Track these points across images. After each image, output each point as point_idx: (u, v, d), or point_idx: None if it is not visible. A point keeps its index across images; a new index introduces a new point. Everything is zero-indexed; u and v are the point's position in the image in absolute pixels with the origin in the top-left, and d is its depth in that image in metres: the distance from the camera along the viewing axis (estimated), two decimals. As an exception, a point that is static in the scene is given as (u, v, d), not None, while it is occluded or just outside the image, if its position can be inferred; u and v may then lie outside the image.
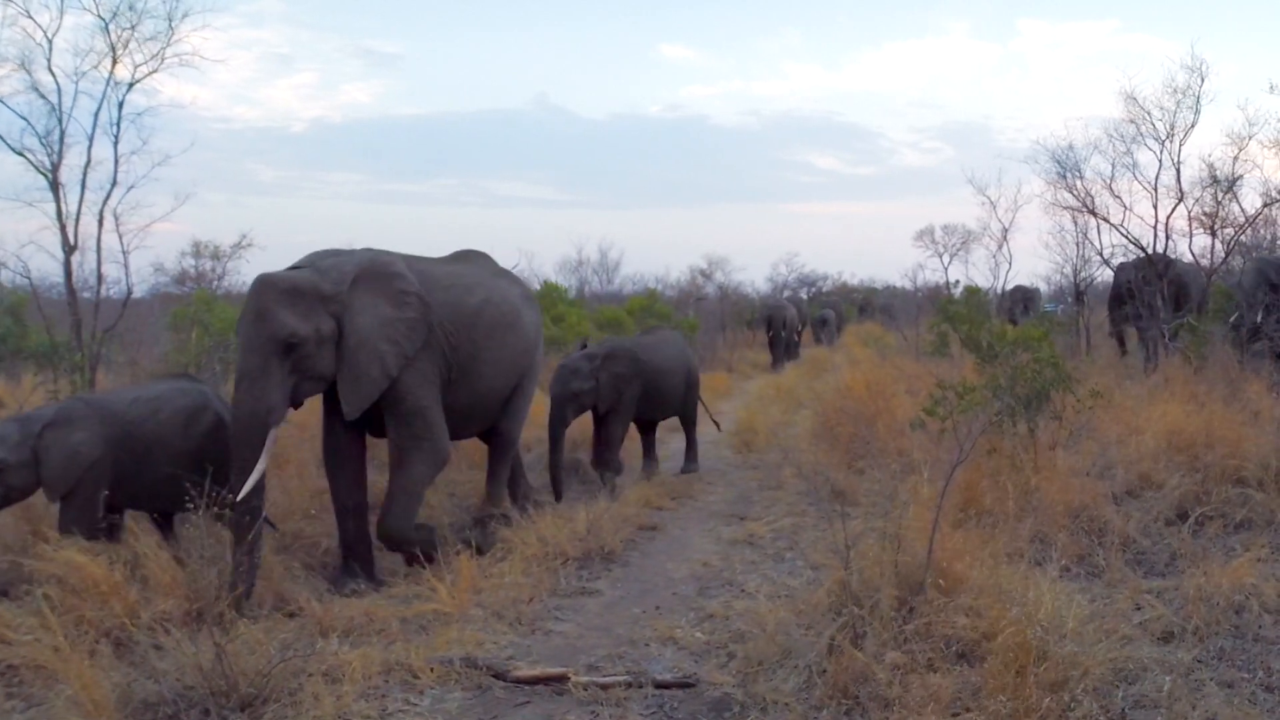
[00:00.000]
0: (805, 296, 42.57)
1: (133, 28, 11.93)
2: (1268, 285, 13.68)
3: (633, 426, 11.78)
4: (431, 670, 5.66)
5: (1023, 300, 28.96)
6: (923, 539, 5.87)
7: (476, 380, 8.43)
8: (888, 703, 4.85)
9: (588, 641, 6.40)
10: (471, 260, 9.20)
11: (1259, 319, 13.41)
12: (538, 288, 24.51)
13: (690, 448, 12.54)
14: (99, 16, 11.82)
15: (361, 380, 7.46)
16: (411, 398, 7.78)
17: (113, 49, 11.91)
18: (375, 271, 7.71)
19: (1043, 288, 30.07)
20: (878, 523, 6.84)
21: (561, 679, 5.57)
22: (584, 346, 11.42)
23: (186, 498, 6.31)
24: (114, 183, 11.91)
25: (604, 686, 5.50)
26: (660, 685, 5.53)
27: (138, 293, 15.10)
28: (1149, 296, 16.56)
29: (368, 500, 7.97)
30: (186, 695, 5.07)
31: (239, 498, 6.71)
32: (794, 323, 28.39)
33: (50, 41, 11.66)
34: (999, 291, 29.07)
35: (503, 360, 8.68)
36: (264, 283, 7.20)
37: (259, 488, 6.92)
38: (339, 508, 7.82)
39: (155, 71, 12.11)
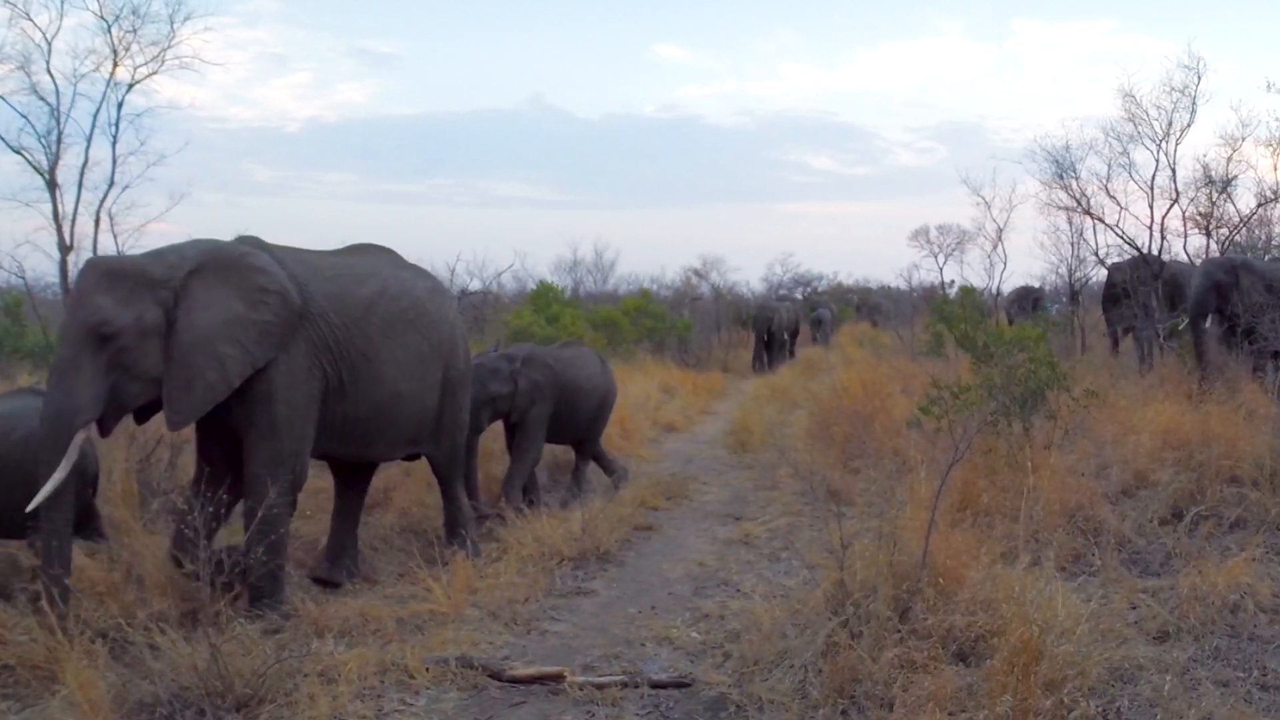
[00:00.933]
0: (801, 296, 42.60)
1: (135, 31, 11.96)
2: (1216, 288, 13.04)
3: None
4: (427, 670, 5.65)
5: (1018, 300, 28.93)
6: (919, 538, 5.87)
7: (377, 385, 7.31)
8: (884, 702, 4.86)
9: (583, 641, 6.40)
10: (368, 252, 7.94)
11: (1208, 325, 13.02)
12: (533, 287, 24.47)
13: (578, 474, 11.23)
14: (101, 18, 11.84)
15: (194, 385, 6.34)
16: (278, 407, 6.69)
17: (114, 51, 11.94)
18: (227, 261, 6.66)
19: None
20: (874, 522, 6.85)
21: (557, 679, 5.57)
22: (496, 348, 10.54)
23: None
24: (111, 183, 11.96)
25: (600, 686, 5.50)
26: (656, 685, 5.53)
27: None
28: (1144, 297, 16.59)
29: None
30: (182, 695, 5.06)
31: (29, 508, 5.87)
32: (785, 323, 28.21)
33: (49, 43, 11.70)
34: (993, 292, 29.08)
35: (407, 361, 7.52)
36: (88, 265, 6.40)
37: (65, 501, 5.96)
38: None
39: (155, 73, 12.16)
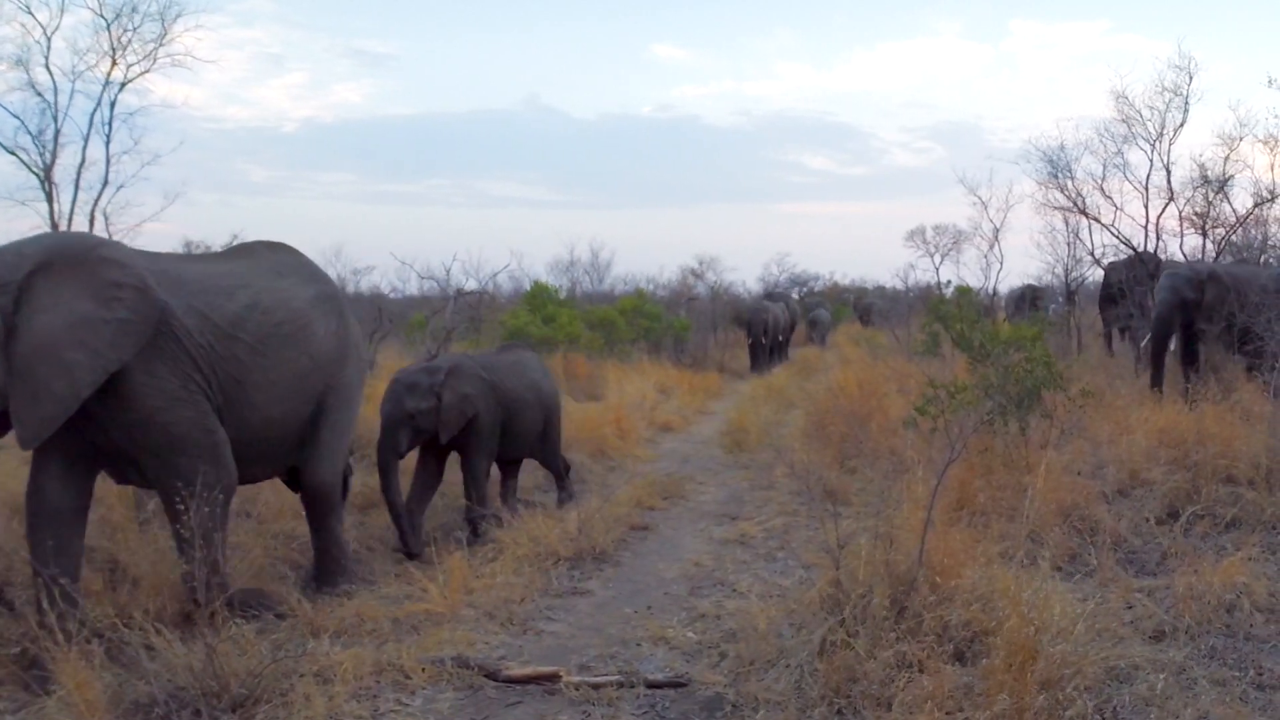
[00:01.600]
0: (797, 296, 42.61)
1: (135, 29, 11.97)
2: (1183, 305, 12.77)
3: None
4: (423, 670, 5.65)
5: (1018, 299, 28.93)
6: (915, 538, 5.87)
7: (249, 410, 6.58)
8: (881, 701, 4.85)
9: (579, 641, 6.40)
10: (252, 255, 7.15)
11: (1173, 346, 12.82)
12: (529, 287, 24.46)
13: (560, 480, 10.43)
14: (100, 16, 11.85)
15: (41, 398, 5.67)
16: (158, 428, 6.09)
17: (113, 49, 11.94)
18: (74, 255, 5.97)
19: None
20: (870, 522, 6.84)
21: (553, 679, 5.56)
22: (432, 358, 9.26)
23: None
24: (105, 182, 11.95)
25: (596, 686, 5.49)
26: (652, 685, 5.52)
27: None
28: (1139, 296, 16.62)
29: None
30: (178, 696, 5.05)
31: None
32: (778, 324, 27.75)
33: (49, 40, 11.69)
34: (989, 291, 29.12)
35: (281, 383, 6.77)
36: None
37: None
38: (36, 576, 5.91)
39: (148, 71, 12.16)
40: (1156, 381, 12.61)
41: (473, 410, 8.92)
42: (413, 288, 22.07)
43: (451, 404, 8.71)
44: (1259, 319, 11.68)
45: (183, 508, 5.86)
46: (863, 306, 45.39)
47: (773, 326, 27.03)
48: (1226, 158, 16.71)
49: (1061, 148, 18.25)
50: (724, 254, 43.61)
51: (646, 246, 78.85)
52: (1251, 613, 6.03)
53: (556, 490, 10.45)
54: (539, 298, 22.24)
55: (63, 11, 11.79)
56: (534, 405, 9.80)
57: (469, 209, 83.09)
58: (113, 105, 12.00)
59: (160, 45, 12.13)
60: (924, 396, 9.32)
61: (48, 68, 11.73)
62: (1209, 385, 11.14)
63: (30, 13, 11.67)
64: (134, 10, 11.97)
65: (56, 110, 11.74)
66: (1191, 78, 16.36)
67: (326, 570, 7.30)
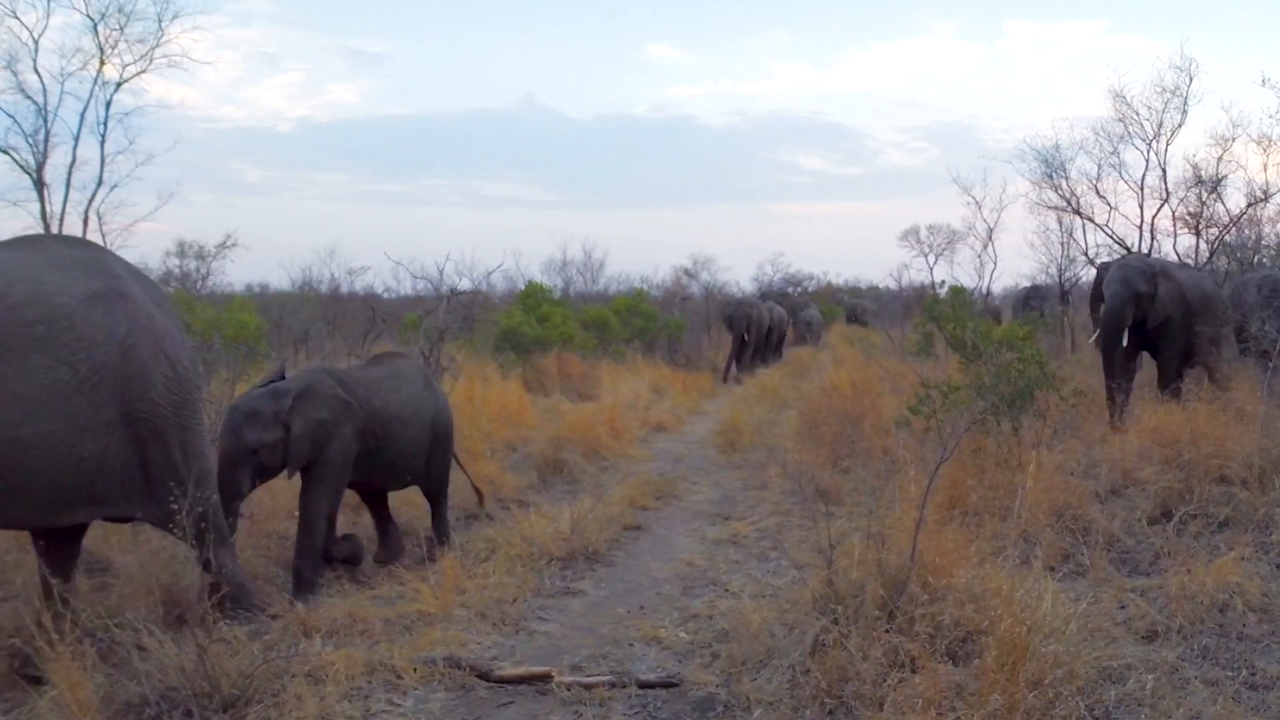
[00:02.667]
0: (794, 293, 42.68)
1: (121, 29, 11.98)
2: (1136, 299, 12.15)
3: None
4: (415, 670, 5.64)
5: (1022, 299, 28.94)
6: (907, 538, 5.87)
7: None
8: (873, 701, 4.85)
9: (572, 641, 6.39)
10: (32, 246, 5.94)
11: (1125, 342, 12.20)
12: (522, 287, 24.45)
13: (437, 521, 8.60)
14: (88, 17, 11.87)
15: None
16: None
17: (101, 50, 11.96)
18: None
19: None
20: (862, 522, 6.85)
21: (545, 679, 5.56)
22: (282, 376, 7.50)
23: None
24: (99, 182, 11.97)
25: (588, 686, 5.49)
26: (644, 685, 5.52)
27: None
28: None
29: None
30: (169, 696, 5.05)
31: None
32: (763, 323, 26.73)
33: (36, 42, 11.71)
34: (983, 291, 29.17)
35: (30, 397, 5.35)
36: None
37: None
38: None
39: (144, 72, 12.19)
40: (1111, 392, 11.87)
41: (327, 439, 7.38)
42: (407, 288, 22.10)
43: (303, 434, 7.21)
44: (1253, 319, 11.65)
45: None
46: (852, 306, 45.44)
47: (756, 324, 26.11)
48: (1220, 158, 16.81)
49: (1056, 148, 18.36)
50: (719, 254, 43.98)
51: (641, 246, 79.03)
52: (1244, 612, 6.03)
53: (431, 525, 8.65)
54: (533, 297, 22.25)
55: (49, 14, 11.81)
56: (413, 424, 8.14)
57: (464, 209, 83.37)
58: (108, 105, 12.03)
59: (156, 46, 12.16)
60: (917, 396, 9.33)
61: (36, 70, 11.74)
62: (1200, 386, 11.13)
63: (16, 16, 11.69)
64: (119, 10, 11.99)
65: (46, 111, 11.75)
66: (1191, 79, 16.43)
67: (231, 596, 6.27)
